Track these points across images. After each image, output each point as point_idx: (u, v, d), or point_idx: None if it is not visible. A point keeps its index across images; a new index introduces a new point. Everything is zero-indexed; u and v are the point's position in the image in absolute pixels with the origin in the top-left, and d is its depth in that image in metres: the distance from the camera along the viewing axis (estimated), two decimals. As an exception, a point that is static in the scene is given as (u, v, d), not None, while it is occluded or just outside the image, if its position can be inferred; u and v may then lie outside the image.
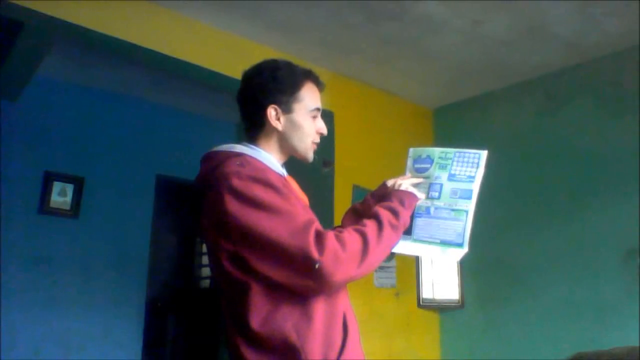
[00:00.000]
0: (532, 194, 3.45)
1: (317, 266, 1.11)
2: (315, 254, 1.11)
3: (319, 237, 1.14)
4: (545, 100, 3.51)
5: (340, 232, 1.20)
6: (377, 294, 3.49)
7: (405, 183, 1.46)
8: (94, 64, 3.51)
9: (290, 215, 1.17)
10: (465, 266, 3.63)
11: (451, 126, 4.00)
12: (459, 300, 3.64)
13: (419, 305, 3.69)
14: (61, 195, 3.55)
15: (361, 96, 3.73)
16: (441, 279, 3.68)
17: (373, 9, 2.84)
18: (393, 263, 3.56)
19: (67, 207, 3.56)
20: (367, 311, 3.42)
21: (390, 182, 1.62)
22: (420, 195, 1.44)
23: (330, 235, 1.16)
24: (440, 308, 3.76)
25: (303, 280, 1.15)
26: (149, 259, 3.91)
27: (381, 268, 3.49)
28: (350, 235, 1.19)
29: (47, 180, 3.51)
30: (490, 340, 3.50)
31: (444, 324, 3.79)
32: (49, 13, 2.46)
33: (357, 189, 3.42)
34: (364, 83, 3.72)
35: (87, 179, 3.66)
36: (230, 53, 3.01)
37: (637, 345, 2.73)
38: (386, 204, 1.35)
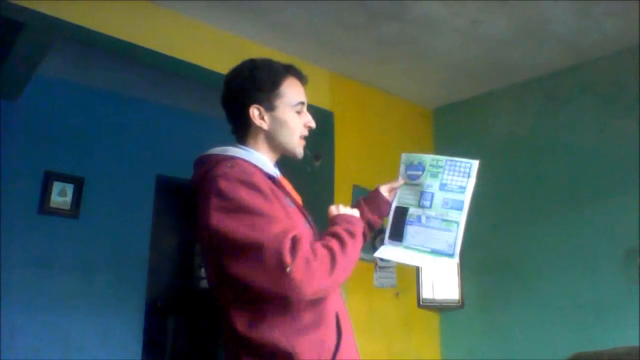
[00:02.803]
0: (532, 194, 3.45)
1: (288, 270, 1.10)
2: (288, 258, 1.10)
3: (294, 244, 1.13)
4: (545, 100, 3.51)
5: (313, 243, 1.19)
6: (377, 294, 3.49)
7: (341, 208, 1.39)
8: (94, 64, 3.51)
9: (271, 219, 1.17)
10: (465, 266, 3.63)
11: (451, 126, 4.00)
12: (459, 300, 3.64)
13: (419, 305, 3.69)
14: (61, 195, 3.55)
15: (361, 96, 3.73)
16: (441, 279, 3.68)
17: (373, 9, 2.84)
18: (393, 263, 3.56)
19: (67, 207, 3.56)
20: (367, 311, 3.42)
21: (382, 188, 1.62)
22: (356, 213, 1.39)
23: (305, 244, 1.15)
24: (440, 308, 3.76)
25: (275, 286, 1.13)
26: (149, 259, 3.91)
27: (381, 268, 3.49)
28: (320, 248, 1.19)
29: (47, 180, 3.51)
30: (490, 340, 3.50)
31: (444, 324, 3.78)
32: (49, 13, 2.46)
33: (357, 189, 3.42)
34: (363, 83, 3.72)
35: (87, 179, 3.66)
36: (230, 53, 3.00)
37: (637, 345, 2.73)
38: (341, 226, 1.30)
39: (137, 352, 3.72)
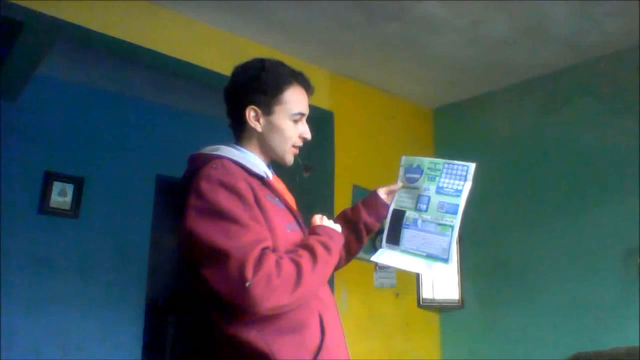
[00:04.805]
0: (532, 194, 3.45)
1: (247, 285, 1.09)
2: (249, 273, 1.10)
3: (260, 258, 1.12)
4: (545, 100, 3.51)
5: (282, 257, 1.17)
6: (377, 294, 3.49)
7: (325, 220, 1.39)
8: (94, 64, 3.51)
9: (245, 228, 1.16)
10: (465, 266, 3.63)
11: (451, 126, 4.00)
12: (459, 300, 3.64)
13: (419, 305, 3.69)
14: (61, 195, 3.55)
15: (361, 96, 3.73)
16: (441, 279, 3.68)
17: (373, 10, 2.84)
18: (393, 263, 3.56)
19: (67, 207, 3.56)
20: (367, 311, 3.42)
21: (381, 191, 1.62)
22: (339, 228, 1.38)
23: (270, 259, 1.13)
24: (440, 308, 3.76)
25: (232, 297, 1.12)
26: (149, 259, 3.91)
27: (381, 268, 3.49)
28: (287, 264, 1.17)
29: (47, 180, 3.51)
30: (490, 340, 3.50)
31: (444, 324, 3.79)
32: (49, 13, 2.47)
33: (357, 189, 3.42)
34: (364, 83, 3.72)
35: (87, 179, 3.65)
36: (230, 53, 3.01)
37: (637, 345, 2.73)
38: (319, 238, 1.29)
39: (137, 352, 3.72)
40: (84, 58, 3.43)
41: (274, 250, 1.19)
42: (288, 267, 1.16)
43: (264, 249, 1.14)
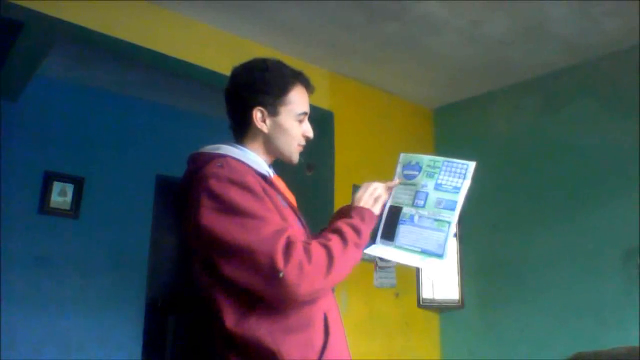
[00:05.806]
0: (532, 194, 3.45)
1: (281, 275, 1.11)
2: (280, 263, 1.11)
3: (288, 247, 1.14)
4: (545, 100, 3.51)
5: (309, 243, 1.19)
6: (377, 294, 3.49)
7: (366, 196, 1.43)
8: (94, 64, 3.51)
9: (263, 220, 1.17)
10: (465, 266, 3.63)
11: (451, 126, 4.00)
12: (459, 300, 3.64)
13: (419, 305, 3.69)
14: (61, 195, 3.55)
15: (361, 96, 3.73)
16: (441, 279, 3.68)
17: (373, 9, 2.85)
18: (393, 263, 3.56)
19: (67, 207, 3.56)
20: (367, 311, 3.42)
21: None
22: (377, 211, 1.42)
23: (298, 246, 1.15)
24: (440, 308, 3.76)
25: (268, 289, 1.14)
26: (149, 259, 3.91)
27: (381, 268, 3.49)
28: (316, 248, 1.18)
29: (47, 180, 3.51)
30: (490, 340, 3.50)
31: (444, 324, 3.79)
32: (49, 13, 2.47)
33: (357, 189, 3.42)
34: (364, 83, 3.72)
35: (87, 179, 3.66)
36: (230, 53, 3.01)
37: (637, 345, 2.73)
38: (348, 220, 1.32)
39: (137, 352, 3.72)
40: (84, 58, 3.43)
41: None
42: (317, 251, 1.17)
43: (288, 237, 1.16)
